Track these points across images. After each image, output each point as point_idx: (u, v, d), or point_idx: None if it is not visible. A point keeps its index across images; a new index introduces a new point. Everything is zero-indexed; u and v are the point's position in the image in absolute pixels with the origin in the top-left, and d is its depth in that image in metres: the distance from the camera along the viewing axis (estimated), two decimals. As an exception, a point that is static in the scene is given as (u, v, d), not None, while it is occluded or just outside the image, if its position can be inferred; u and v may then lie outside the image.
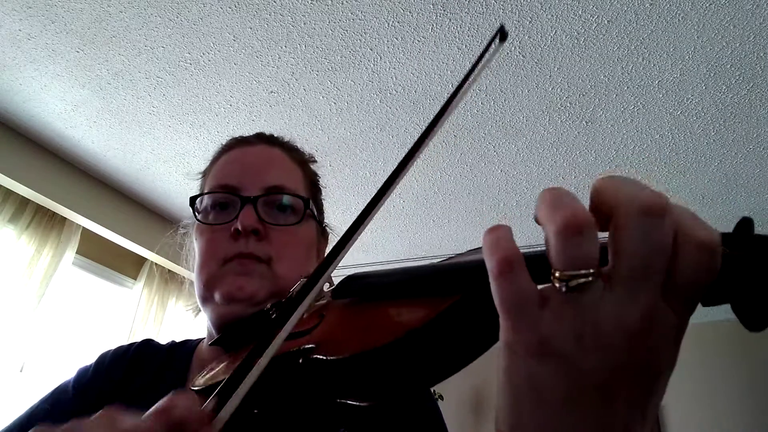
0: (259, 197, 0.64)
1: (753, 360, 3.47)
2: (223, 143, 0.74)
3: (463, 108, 2.21)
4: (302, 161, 0.74)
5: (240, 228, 0.61)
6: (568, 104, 2.16)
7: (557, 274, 0.25)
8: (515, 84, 2.07)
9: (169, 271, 3.21)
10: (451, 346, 0.33)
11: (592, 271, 0.24)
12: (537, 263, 0.26)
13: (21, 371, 2.36)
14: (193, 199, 0.68)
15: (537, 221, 0.27)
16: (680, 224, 0.24)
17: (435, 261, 0.40)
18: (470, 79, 0.44)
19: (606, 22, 1.79)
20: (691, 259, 0.24)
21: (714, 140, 2.30)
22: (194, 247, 0.68)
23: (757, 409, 3.36)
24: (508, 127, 2.30)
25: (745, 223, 0.26)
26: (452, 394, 3.76)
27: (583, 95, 2.11)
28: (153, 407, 0.31)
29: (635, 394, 0.25)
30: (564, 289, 0.24)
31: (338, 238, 0.40)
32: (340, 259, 0.40)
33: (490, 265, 0.26)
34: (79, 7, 1.83)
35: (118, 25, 1.90)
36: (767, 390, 3.38)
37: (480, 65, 0.45)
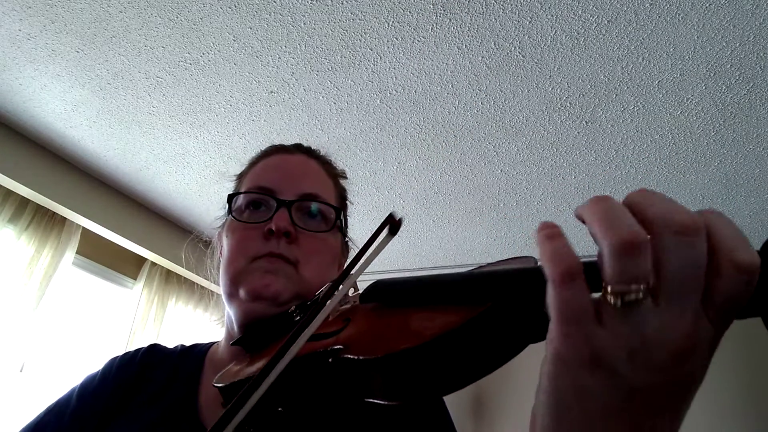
0: (294, 202, 0.66)
1: (754, 360, 3.47)
2: (263, 149, 0.78)
3: (463, 108, 2.21)
4: (335, 175, 0.77)
5: (274, 228, 0.63)
6: (568, 104, 2.16)
7: (610, 289, 0.25)
8: (515, 84, 2.07)
9: (169, 271, 3.21)
10: (481, 352, 0.34)
11: (643, 287, 0.25)
12: (591, 274, 0.27)
13: (21, 371, 2.36)
14: (230, 197, 0.70)
15: (581, 220, 0.27)
16: (722, 244, 0.25)
17: (458, 270, 0.40)
18: (357, 267, 0.43)
19: (606, 22, 1.79)
20: (731, 279, 0.25)
21: (714, 140, 2.30)
22: (223, 244, 0.70)
23: (756, 410, 3.36)
24: (508, 127, 2.30)
25: None
26: (452, 395, 3.76)
27: (583, 95, 2.11)
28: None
29: (670, 405, 0.26)
30: (619, 304, 0.25)
31: (358, 248, 0.40)
32: (366, 266, 0.40)
33: (554, 275, 0.26)
34: (79, 7, 1.83)
35: (118, 25, 1.90)
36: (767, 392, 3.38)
37: (369, 253, 0.44)
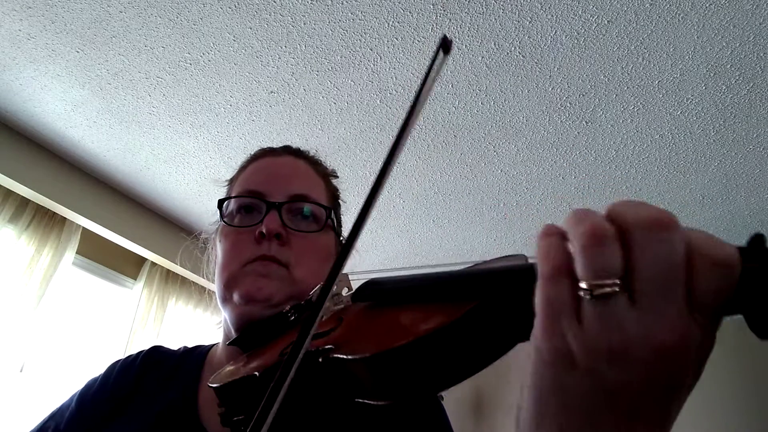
0: (284, 203, 0.66)
1: (756, 363, 3.46)
2: (252, 153, 0.78)
3: (463, 108, 2.21)
4: (325, 175, 0.77)
5: (264, 231, 0.63)
6: (568, 104, 2.16)
7: (583, 285, 0.25)
8: (515, 84, 2.07)
9: (169, 271, 3.21)
10: (469, 350, 0.34)
11: (617, 281, 0.25)
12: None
13: (21, 371, 2.36)
14: (221, 202, 0.71)
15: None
16: (697, 245, 0.25)
17: (453, 269, 0.41)
18: (422, 95, 0.44)
19: (606, 22, 1.79)
20: (711, 276, 0.25)
21: (714, 140, 2.30)
22: (217, 249, 0.70)
23: (760, 413, 3.36)
24: (508, 127, 2.30)
25: (758, 238, 0.27)
26: (452, 394, 3.76)
27: (583, 95, 2.11)
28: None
29: (658, 409, 0.26)
30: (589, 297, 0.25)
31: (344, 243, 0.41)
32: (347, 258, 0.41)
33: (543, 270, 0.27)
34: (79, 7, 1.83)
35: (118, 25, 1.90)
36: None
37: (429, 80, 0.44)
